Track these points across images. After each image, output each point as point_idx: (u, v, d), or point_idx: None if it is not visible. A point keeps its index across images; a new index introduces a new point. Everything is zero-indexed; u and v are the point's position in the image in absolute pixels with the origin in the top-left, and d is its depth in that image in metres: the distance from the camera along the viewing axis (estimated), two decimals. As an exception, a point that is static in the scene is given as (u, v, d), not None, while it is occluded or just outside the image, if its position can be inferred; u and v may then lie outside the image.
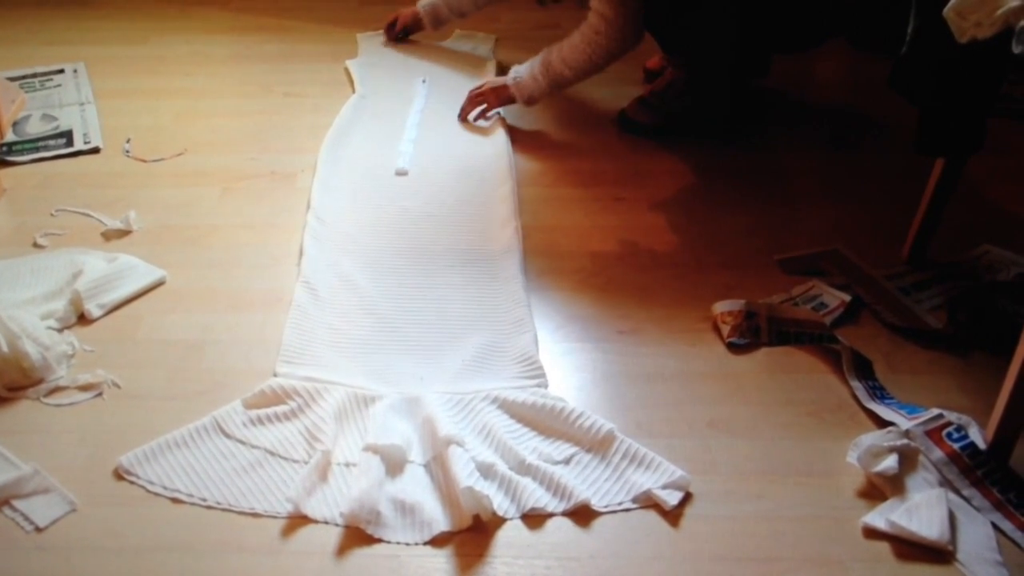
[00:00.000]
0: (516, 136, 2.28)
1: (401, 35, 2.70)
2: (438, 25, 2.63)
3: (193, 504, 1.39)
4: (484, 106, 2.31)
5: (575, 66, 2.15)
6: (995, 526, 1.35)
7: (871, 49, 2.60)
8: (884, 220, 1.98)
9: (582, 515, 1.38)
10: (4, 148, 2.20)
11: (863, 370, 1.60)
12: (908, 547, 1.32)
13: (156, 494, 1.40)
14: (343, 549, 1.33)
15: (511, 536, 1.35)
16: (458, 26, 2.75)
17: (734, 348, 1.67)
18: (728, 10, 1.99)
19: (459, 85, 2.46)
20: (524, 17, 2.81)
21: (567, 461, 1.45)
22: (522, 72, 2.24)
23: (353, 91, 2.46)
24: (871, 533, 1.35)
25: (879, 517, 1.36)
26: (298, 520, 1.37)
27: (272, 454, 1.46)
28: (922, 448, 1.44)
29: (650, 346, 1.68)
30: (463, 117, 2.33)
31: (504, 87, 2.27)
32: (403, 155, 2.18)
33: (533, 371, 1.60)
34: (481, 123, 2.32)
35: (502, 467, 1.42)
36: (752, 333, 1.68)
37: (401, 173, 2.12)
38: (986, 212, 2.03)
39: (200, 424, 1.49)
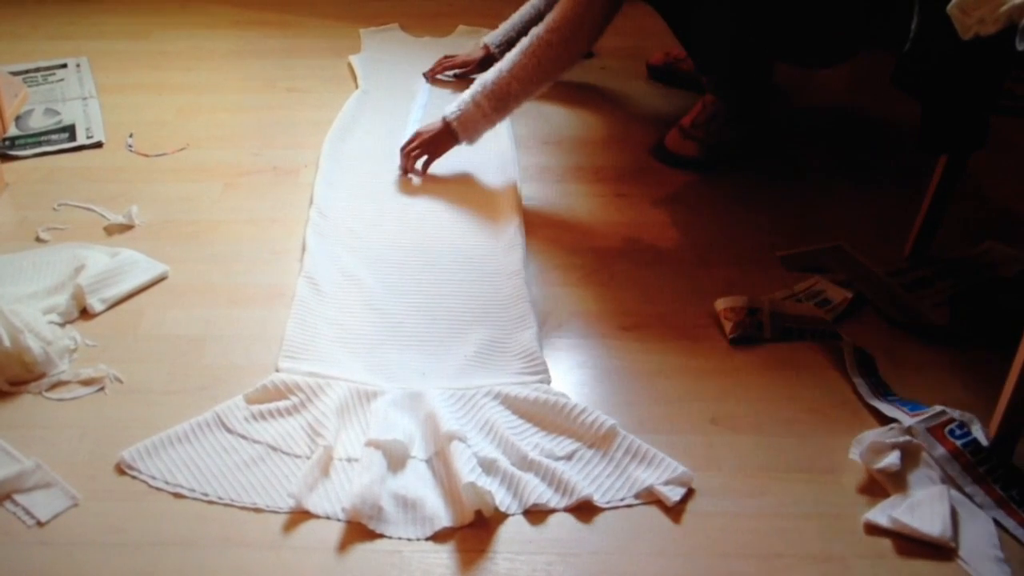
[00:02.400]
0: (518, 133, 2.28)
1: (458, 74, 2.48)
2: None
3: (195, 499, 1.39)
4: (425, 158, 2.09)
5: (521, 75, 1.96)
6: (997, 523, 1.35)
7: (875, 45, 2.60)
8: (887, 217, 1.97)
9: (584, 511, 1.38)
10: (7, 143, 2.20)
11: (865, 366, 1.60)
12: (910, 543, 1.32)
13: (158, 489, 1.40)
14: (345, 544, 1.33)
15: (513, 532, 1.35)
16: (461, 22, 2.75)
17: (736, 344, 1.67)
18: (748, 23, 1.95)
19: (460, 81, 2.46)
20: (527, 13, 2.80)
21: (569, 457, 1.45)
22: (459, 106, 2.01)
23: (356, 86, 2.46)
24: (873, 529, 1.35)
25: (881, 513, 1.36)
26: (300, 515, 1.37)
27: (274, 449, 1.46)
28: (924, 445, 1.44)
29: (653, 342, 1.68)
30: (405, 174, 2.10)
31: (444, 129, 2.04)
32: (406, 151, 2.17)
33: (535, 367, 1.60)
34: (414, 179, 2.09)
35: (504, 463, 1.42)
36: (754, 329, 1.68)
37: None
38: (988, 209, 2.03)
39: (202, 419, 1.49)
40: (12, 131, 2.23)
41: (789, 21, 1.93)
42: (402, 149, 2.11)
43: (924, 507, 1.35)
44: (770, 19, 1.93)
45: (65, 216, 1.98)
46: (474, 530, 1.35)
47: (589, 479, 1.41)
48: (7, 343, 1.54)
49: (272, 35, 2.75)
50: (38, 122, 2.30)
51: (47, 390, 1.56)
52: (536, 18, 2.32)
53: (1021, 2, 1.26)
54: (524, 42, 1.97)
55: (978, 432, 1.46)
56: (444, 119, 2.03)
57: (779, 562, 1.31)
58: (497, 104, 1.99)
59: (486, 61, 2.38)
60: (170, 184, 2.09)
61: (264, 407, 1.52)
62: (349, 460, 1.44)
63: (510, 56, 1.98)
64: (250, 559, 1.31)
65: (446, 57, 2.50)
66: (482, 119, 2.01)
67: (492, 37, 2.41)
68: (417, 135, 2.10)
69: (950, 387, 1.57)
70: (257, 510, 1.37)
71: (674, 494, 1.39)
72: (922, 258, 1.85)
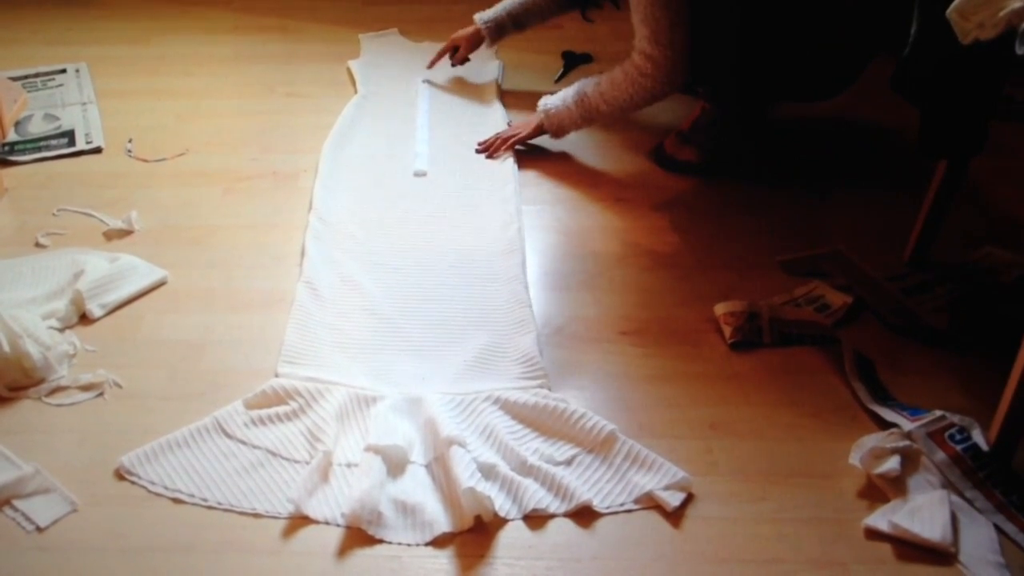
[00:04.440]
0: (518, 137, 2.28)
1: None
2: (498, 41, 2.43)
3: (194, 504, 1.39)
4: (514, 137, 2.20)
5: (613, 103, 2.04)
6: (997, 528, 1.35)
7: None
8: (886, 222, 1.97)
9: (584, 516, 1.38)
10: (6, 148, 2.20)
11: (865, 371, 1.60)
12: (910, 549, 1.32)
13: (157, 494, 1.40)
14: (344, 550, 1.33)
15: (513, 537, 1.35)
16: (460, 26, 2.74)
17: (736, 349, 1.67)
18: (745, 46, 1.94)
19: (460, 86, 2.46)
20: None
21: (569, 462, 1.45)
22: (553, 102, 2.14)
23: (355, 91, 2.46)
24: (873, 534, 1.35)
25: (881, 519, 1.36)
26: (299, 521, 1.37)
27: (273, 454, 1.46)
28: (924, 450, 1.44)
29: (652, 347, 1.68)
30: (491, 154, 2.19)
31: (534, 119, 2.18)
32: (420, 156, 2.18)
33: (535, 372, 1.60)
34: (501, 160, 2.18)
35: (504, 468, 1.42)
36: (754, 334, 1.68)
37: (420, 174, 2.12)
38: (988, 214, 2.03)
39: (201, 424, 1.49)
40: (11, 136, 2.23)
41: (789, 57, 1.95)
42: (500, 134, 2.23)
43: (924, 512, 1.34)
44: (771, 53, 1.94)
45: (64, 221, 1.98)
46: (474, 535, 1.35)
47: (589, 484, 1.41)
48: (6, 348, 1.53)
49: (271, 40, 2.75)
50: (37, 127, 2.30)
51: (46, 395, 1.56)
52: (531, 8, 2.36)
53: (1020, 6, 1.26)
54: (617, 74, 2.02)
55: (978, 437, 1.46)
56: (538, 112, 2.17)
57: (779, 567, 1.31)
58: (584, 115, 2.11)
59: (475, 39, 2.41)
60: (169, 189, 2.09)
61: (263, 412, 1.52)
62: (349, 465, 1.44)
63: (605, 81, 2.05)
64: (249, 564, 1.30)
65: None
66: (569, 120, 2.13)
67: (483, 15, 2.39)
68: (515, 126, 2.25)
69: (950, 392, 1.57)
70: (257, 515, 1.37)
71: (674, 499, 1.39)
72: (921, 263, 1.85)
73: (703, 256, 1.90)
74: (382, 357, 1.64)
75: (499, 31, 2.40)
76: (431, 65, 2.48)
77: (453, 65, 2.48)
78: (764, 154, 2.21)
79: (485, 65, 2.54)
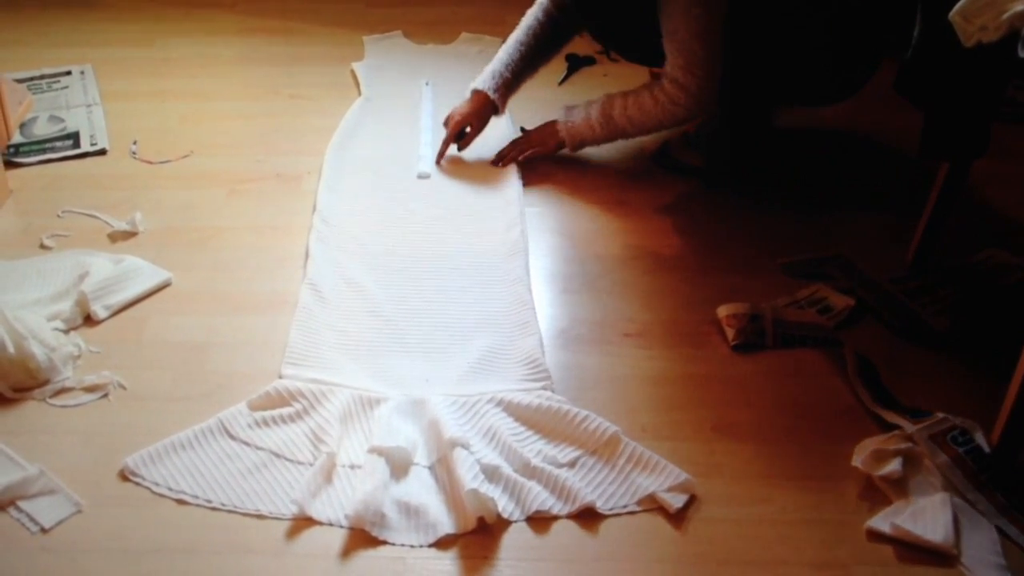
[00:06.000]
0: (521, 139, 2.28)
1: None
2: (506, 104, 2.18)
3: (198, 505, 1.39)
4: (529, 152, 2.17)
5: (640, 126, 2.04)
6: (1000, 530, 1.35)
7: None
8: (888, 224, 1.98)
9: (587, 518, 1.38)
10: (11, 150, 2.20)
11: (867, 374, 1.60)
12: (912, 551, 1.33)
13: (161, 495, 1.40)
14: (348, 551, 1.33)
15: (516, 538, 1.35)
16: (464, 29, 2.75)
17: (739, 351, 1.67)
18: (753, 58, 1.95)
19: (465, 89, 2.46)
20: (530, 20, 2.81)
21: (572, 464, 1.45)
22: (575, 117, 2.11)
23: (359, 94, 2.46)
24: (875, 537, 1.35)
25: (884, 521, 1.36)
26: (303, 522, 1.37)
27: (277, 456, 1.46)
28: (926, 452, 1.44)
29: (655, 349, 1.68)
30: (505, 163, 2.16)
31: (553, 133, 2.14)
32: (424, 159, 2.18)
33: (538, 374, 1.60)
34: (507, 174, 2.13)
35: (507, 469, 1.42)
36: (757, 336, 1.68)
37: (423, 176, 2.12)
38: (990, 216, 2.03)
39: (205, 426, 1.50)
40: (17, 138, 2.24)
41: (787, 67, 1.96)
42: (515, 142, 2.19)
43: (926, 514, 1.35)
44: (767, 66, 1.95)
45: (69, 223, 1.98)
46: (477, 537, 1.35)
47: (592, 486, 1.42)
48: (11, 350, 1.54)
49: (275, 42, 2.76)
50: (42, 129, 2.31)
51: (51, 396, 1.56)
52: (527, 55, 2.16)
53: (1023, 9, 1.26)
54: (646, 99, 2.01)
55: (980, 439, 1.46)
56: (558, 126, 2.13)
57: (781, 569, 1.31)
58: (609, 135, 2.09)
59: (485, 112, 2.17)
60: (174, 191, 2.10)
61: (267, 414, 1.52)
62: (352, 467, 1.44)
63: (632, 103, 2.02)
64: (253, 565, 1.31)
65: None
66: (591, 138, 2.11)
67: (485, 83, 2.15)
68: (530, 133, 2.20)
69: (952, 394, 1.57)
70: (260, 516, 1.38)
71: (676, 501, 1.39)
72: (924, 265, 1.85)
73: (706, 258, 1.90)
74: (385, 359, 1.64)
75: (508, 93, 2.17)
76: (439, 160, 2.18)
77: (460, 150, 2.20)
78: (768, 157, 2.21)
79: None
